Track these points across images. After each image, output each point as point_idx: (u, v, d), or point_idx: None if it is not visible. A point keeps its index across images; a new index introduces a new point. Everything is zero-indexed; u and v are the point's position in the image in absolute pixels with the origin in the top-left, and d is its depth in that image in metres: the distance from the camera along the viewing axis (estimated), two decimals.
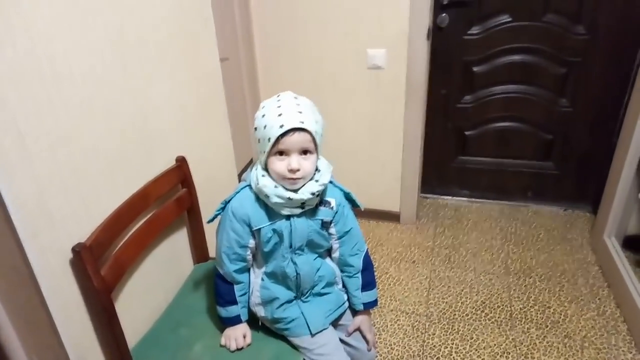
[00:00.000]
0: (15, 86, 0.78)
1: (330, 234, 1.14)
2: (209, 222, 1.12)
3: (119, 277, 1.03)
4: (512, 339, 1.70)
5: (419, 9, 1.95)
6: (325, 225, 1.11)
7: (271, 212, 1.06)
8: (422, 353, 1.66)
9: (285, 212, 1.04)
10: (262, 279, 1.13)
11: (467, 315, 1.82)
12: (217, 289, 1.14)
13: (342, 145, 2.33)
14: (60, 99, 0.88)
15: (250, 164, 2.32)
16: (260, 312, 1.15)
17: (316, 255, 1.14)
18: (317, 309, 1.15)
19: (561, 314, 1.80)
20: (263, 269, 1.13)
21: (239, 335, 1.13)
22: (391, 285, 2.00)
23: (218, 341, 1.14)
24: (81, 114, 0.94)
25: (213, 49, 1.47)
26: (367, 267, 1.20)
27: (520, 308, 1.84)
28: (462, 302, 1.88)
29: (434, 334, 1.73)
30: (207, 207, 1.38)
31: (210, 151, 1.51)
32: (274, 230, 1.06)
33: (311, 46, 2.15)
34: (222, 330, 1.16)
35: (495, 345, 1.67)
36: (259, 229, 1.06)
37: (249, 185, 1.07)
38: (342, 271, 1.20)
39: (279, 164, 0.99)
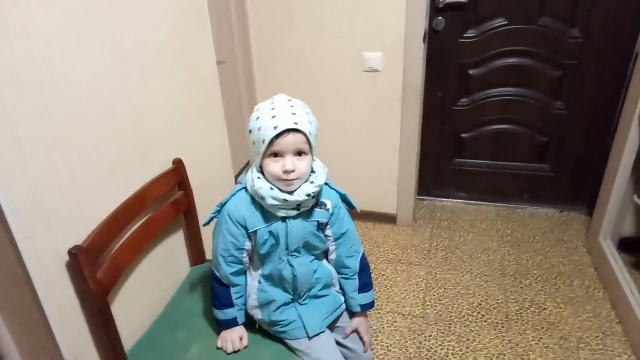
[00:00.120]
0: (12, 88, 0.78)
1: (326, 236, 1.14)
2: (205, 225, 1.12)
3: (115, 280, 1.03)
4: (509, 340, 1.70)
5: (415, 12, 1.96)
6: (321, 227, 1.12)
7: (267, 215, 1.06)
8: (419, 355, 1.66)
9: (281, 214, 1.04)
10: (260, 282, 1.13)
11: (463, 317, 1.82)
12: (214, 292, 1.14)
13: (339, 148, 2.33)
14: (56, 101, 0.88)
15: (246, 166, 2.33)
16: (258, 315, 1.15)
17: (313, 257, 1.15)
18: (315, 311, 1.15)
19: (557, 316, 1.80)
20: (260, 272, 1.13)
21: (235, 337, 1.13)
22: (388, 287, 2.00)
23: (215, 344, 1.14)
24: (78, 116, 0.94)
25: (210, 52, 1.47)
26: (364, 269, 1.20)
27: (516, 310, 1.84)
28: (458, 304, 1.89)
29: (431, 336, 1.74)
30: (204, 209, 1.38)
31: (207, 154, 1.51)
32: (270, 233, 1.06)
33: (308, 49, 2.16)
34: (219, 333, 1.16)
35: (491, 347, 1.68)
36: (255, 231, 1.06)
37: (245, 188, 1.07)
38: (339, 273, 1.21)
39: (274, 166, 0.99)
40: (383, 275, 2.08)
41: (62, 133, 0.90)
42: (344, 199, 1.14)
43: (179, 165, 1.29)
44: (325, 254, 1.20)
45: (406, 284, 2.02)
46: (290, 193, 1.01)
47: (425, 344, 1.70)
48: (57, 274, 0.90)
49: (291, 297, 1.14)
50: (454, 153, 2.53)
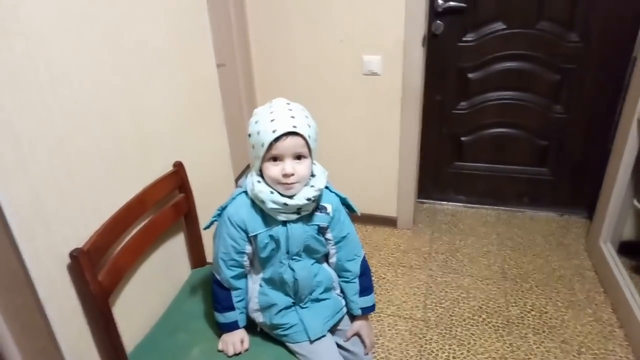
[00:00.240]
0: (12, 89, 0.78)
1: (327, 240, 1.14)
2: (205, 228, 1.12)
3: (116, 282, 1.02)
4: (510, 344, 1.70)
5: (414, 16, 1.97)
6: (321, 230, 1.11)
7: (267, 218, 1.06)
8: (420, 358, 1.66)
9: (282, 217, 1.04)
10: (260, 285, 1.13)
11: (464, 320, 1.82)
12: (214, 295, 1.14)
13: (339, 151, 2.34)
14: (56, 103, 0.88)
15: (246, 169, 2.33)
16: (259, 318, 1.15)
17: (313, 260, 1.14)
18: (316, 315, 1.15)
19: (558, 319, 1.80)
20: (261, 275, 1.13)
21: (236, 340, 1.13)
22: (388, 290, 2.00)
23: (216, 346, 1.14)
24: (78, 118, 0.94)
25: (210, 55, 1.47)
26: (365, 272, 1.20)
27: (517, 313, 1.84)
28: (459, 307, 1.89)
29: (432, 339, 1.73)
30: (204, 212, 1.38)
31: (207, 156, 1.51)
32: (271, 237, 1.06)
33: (307, 52, 2.17)
34: (219, 335, 1.15)
35: (492, 350, 1.67)
36: (256, 235, 1.06)
37: (245, 191, 1.07)
38: (339, 276, 1.20)
39: (274, 169, 0.99)
40: (383, 278, 2.08)
41: (62, 135, 0.90)
42: (344, 202, 1.14)
43: (179, 167, 1.29)
44: (326, 257, 1.19)
45: (407, 287, 2.02)
46: (290, 197, 1.01)
47: (426, 347, 1.70)
48: (58, 276, 0.90)
49: (292, 300, 1.14)
50: (453, 156, 2.53)
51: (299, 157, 1.00)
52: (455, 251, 2.25)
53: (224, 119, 1.59)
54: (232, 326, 1.13)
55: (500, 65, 2.23)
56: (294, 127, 0.96)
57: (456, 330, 1.77)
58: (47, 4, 0.85)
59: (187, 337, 1.17)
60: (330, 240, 1.14)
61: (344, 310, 1.21)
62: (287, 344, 1.14)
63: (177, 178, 1.29)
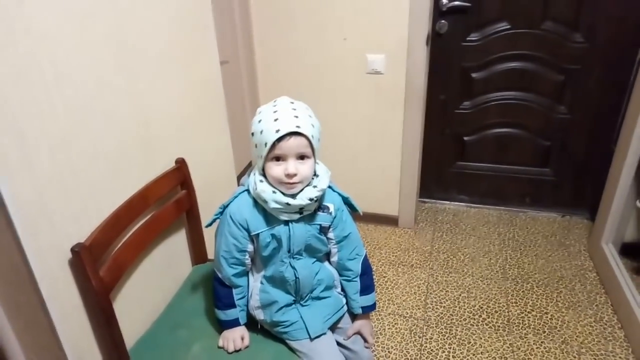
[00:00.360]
0: (17, 87, 0.79)
1: (328, 239, 1.14)
2: (207, 226, 1.12)
3: (117, 278, 1.03)
4: (510, 344, 1.70)
5: (418, 15, 1.97)
6: (323, 230, 1.12)
7: (269, 217, 1.06)
8: (420, 357, 1.66)
9: (284, 217, 1.04)
10: (262, 283, 1.13)
11: (464, 320, 1.82)
12: (215, 292, 1.15)
13: (341, 150, 2.34)
14: (61, 100, 0.88)
15: (249, 167, 2.33)
16: (260, 315, 1.15)
17: (315, 259, 1.15)
18: (316, 313, 1.15)
19: (558, 320, 1.80)
20: (262, 273, 1.13)
21: (237, 337, 1.13)
22: (389, 289, 2.00)
23: (216, 342, 1.14)
24: (82, 116, 0.94)
25: (213, 52, 1.48)
26: (366, 271, 1.20)
27: (517, 313, 1.84)
28: (459, 307, 1.89)
29: (432, 338, 1.74)
30: (205, 209, 1.38)
31: (209, 153, 1.51)
32: (273, 236, 1.06)
33: (311, 50, 2.17)
34: (220, 332, 1.16)
35: (492, 350, 1.67)
36: (257, 234, 1.06)
37: (248, 190, 1.07)
38: (340, 275, 1.21)
39: (276, 169, 0.99)
40: (384, 277, 2.08)
41: (66, 132, 0.90)
42: (347, 202, 1.14)
43: (181, 164, 1.29)
44: (327, 256, 1.20)
45: (407, 286, 2.02)
46: (293, 196, 1.01)
47: (426, 346, 1.70)
48: (60, 272, 0.91)
49: (293, 298, 1.14)
50: (456, 156, 2.53)
51: (302, 157, 0.99)
52: (457, 251, 2.25)
53: (226, 115, 1.59)
54: (233, 323, 1.14)
55: (504, 65, 2.23)
56: (298, 127, 0.96)
57: (456, 330, 1.77)
58: (52, 2, 0.86)
59: (187, 334, 1.17)
60: (332, 239, 1.15)
61: (345, 308, 1.22)
62: (288, 341, 1.15)
63: (180, 174, 1.30)
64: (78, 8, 0.92)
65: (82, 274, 0.92)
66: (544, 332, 1.75)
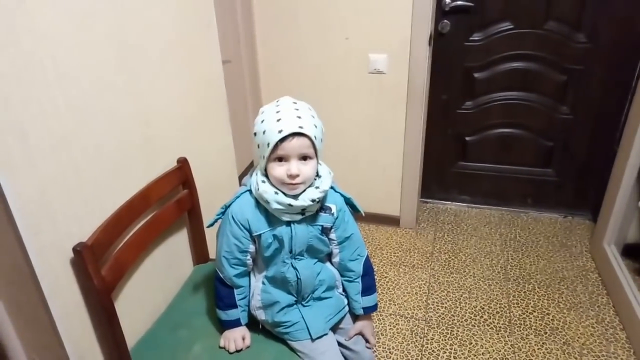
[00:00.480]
0: (19, 86, 0.79)
1: (330, 240, 1.14)
2: (209, 226, 1.12)
3: (119, 277, 1.03)
4: (511, 345, 1.70)
5: (420, 14, 1.96)
6: (325, 231, 1.11)
7: (271, 218, 1.05)
8: (421, 358, 1.66)
9: (286, 218, 1.04)
10: (263, 283, 1.13)
11: (466, 320, 1.82)
12: (217, 292, 1.14)
13: (343, 149, 2.33)
14: (63, 99, 0.88)
15: (250, 166, 2.33)
16: (261, 315, 1.15)
17: (316, 260, 1.14)
18: (318, 313, 1.15)
19: (560, 321, 1.80)
20: (264, 273, 1.13)
21: (238, 337, 1.13)
22: (390, 289, 2.00)
23: (217, 342, 1.14)
24: (83, 115, 0.94)
25: (215, 51, 1.47)
26: (368, 272, 1.20)
27: (519, 314, 1.84)
28: (461, 307, 1.88)
29: (433, 339, 1.73)
30: (207, 209, 1.38)
31: (211, 153, 1.51)
32: (275, 236, 1.06)
33: (313, 50, 2.16)
34: (221, 332, 1.16)
35: (493, 351, 1.67)
36: (259, 234, 1.06)
37: (249, 190, 1.07)
38: (342, 276, 1.20)
39: (279, 170, 0.99)
40: (385, 277, 2.08)
41: (68, 131, 0.90)
42: (349, 202, 1.14)
43: (183, 163, 1.29)
44: (329, 256, 1.19)
45: (408, 286, 2.02)
46: (295, 198, 1.01)
47: (427, 347, 1.70)
48: (62, 271, 0.91)
49: (294, 298, 1.14)
50: (457, 156, 2.52)
51: (304, 157, 0.99)
52: (458, 251, 2.25)
53: (228, 115, 1.59)
54: (235, 324, 1.13)
55: (507, 65, 2.22)
56: (300, 127, 0.96)
57: (457, 331, 1.77)
58: (54, 1, 0.85)
59: (188, 334, 1.17)
60: (333, 240, 1.14)
61: (346, 309, 1.22)
62: (289, 341, 1.15)
63: (181, 174, 1.29)
64: (79, 7, 0.92)
65: (84, 273, 0.92)
66: (546, 333, 1.74)
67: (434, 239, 2.36)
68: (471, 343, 1.71)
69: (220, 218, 1.09)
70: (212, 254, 1.44)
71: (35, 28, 0.82)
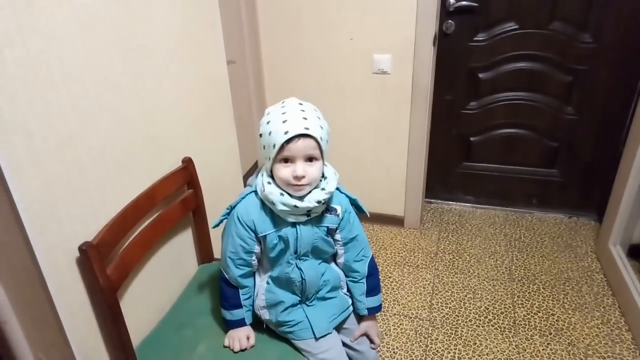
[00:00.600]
0: (25, 86, 0.79)
1: (335, 241, 1.14)
2: (214, 227, 1.12)
3: (124, 276, 1.03)
4: (516, 345, 1.69)
5: (425, 15, 1.96)
6: (330, 232, 1.11)
7: (277, 219, 1.05)
8: (425, 358, 1.65)
9: (291, 219, 1.04)
10: (268, 283, 1.13)
11: (470, 320, 1.81)
12: (222, 292, 1.15)
13: (347, 149, 2.33)
14: (68, 99, 0.89)
15: (255, 166, 2.33)
16: (265, 315, 1.15)
17: (321, 260, 1.14)
18: (322, 313, 1.15)
19: (565, 322, 1.79)
20: (269, 273, 1.13)
21: (242, 336, 1.13)
22: (394, 289, 2.00)
23: (222, 342, 1.14)
24: (89, 115, 0.95)
25: (220, 52, 1.48)
26: (372, 273, 1.20)
27: (524, 315, 1.83)
28: (465, 308, 1.88)
29: (437, 339, 1.73)
30: (212, 208, 1.39)
31: (216, 153, 1.51)
32: (280, 237, 1.06)
33: (317, 50, 2.16)
34: (226, 331, 1.16)
35: (498, 351, 1.67)
36: (265, 235, 1.06)
37: (255, 191, 1.07)
38: (347, 276, 1.20)
39: (284, 171, 0.99)
40: (390, 277, 2.08)
41: (73, 131, 0.91)
42: (354, 203, 1.14)
43: (188, 163, 1.30)
44: (334, 257, 1.19)
45: (413, 286, 2.02)
46: (301, 199, 1.01)
47: (431, 347, 1.70)
48: (68, 270, 0.91)
49: (299, 298, 1.14)
50: (462, 156, 2.52)
51: (310, 159, 0.99)
52: (462, 251, 2.24)
53: (233, 115, 1.59)
54: (239, 323, 1.14)
55: (511, 66, 2.22)
56: (306, 128, 0.95)
57: (462, 331, 1.76)
58: (60, 2, 0.86)
59: (193, 333, 1.17)
60: (339, 241, 1.14)
61: (350, 309, 1.22)
62: (293, 340, 1.15)
63: (186, 174, 1.30)
64: (86, 8, 0.92)
65: (90, 272, 0.92)
66: (550, 333, 1.74)
67: (438, 239, 2.35)
68: (475, 343, 1.70)
69: (225, 219, 1.10)
70: (216, 254, 1.44)
71: (43, 29, 0.82)
